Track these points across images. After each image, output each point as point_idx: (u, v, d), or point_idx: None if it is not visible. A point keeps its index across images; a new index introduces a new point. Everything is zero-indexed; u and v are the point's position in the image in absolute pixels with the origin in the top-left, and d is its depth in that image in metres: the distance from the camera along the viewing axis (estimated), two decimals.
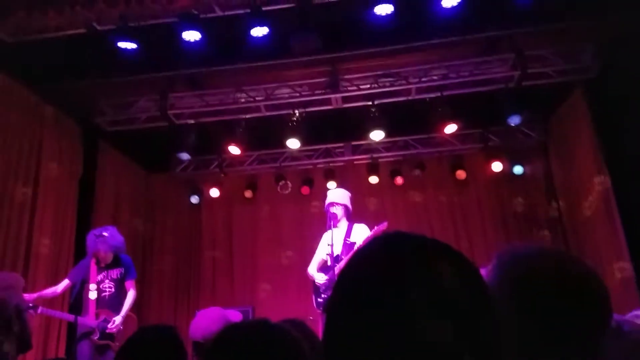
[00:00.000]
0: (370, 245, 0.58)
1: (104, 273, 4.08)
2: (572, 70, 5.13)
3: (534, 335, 0.73)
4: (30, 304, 3.61)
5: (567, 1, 4.16)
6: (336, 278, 0.60)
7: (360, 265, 0.56)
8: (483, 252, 6.34)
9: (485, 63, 5.19)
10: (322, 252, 4.20)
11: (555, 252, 0.84)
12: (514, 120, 5.39)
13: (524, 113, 5.32)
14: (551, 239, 6.28)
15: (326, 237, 4.15)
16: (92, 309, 3.93)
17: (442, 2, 3.87)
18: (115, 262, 4.15)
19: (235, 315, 2.46)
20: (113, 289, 4.08)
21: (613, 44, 4.68)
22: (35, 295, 3.84)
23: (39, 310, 3.76)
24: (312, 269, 4.24)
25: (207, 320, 2.29)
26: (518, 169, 6.36)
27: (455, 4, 3.85)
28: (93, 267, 3.95)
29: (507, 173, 6.45)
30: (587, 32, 4.75)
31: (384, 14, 3.90)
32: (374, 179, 6.55)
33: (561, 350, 0.72)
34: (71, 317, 3.77)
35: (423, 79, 5.26)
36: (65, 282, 4.06)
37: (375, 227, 3.96)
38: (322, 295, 4.04)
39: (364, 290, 0.51)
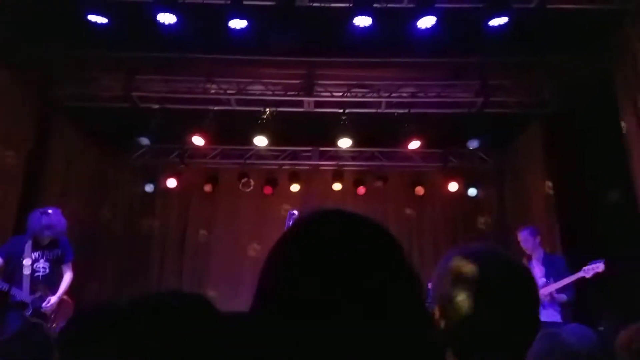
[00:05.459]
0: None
1: (39, 252, 3.87)
2: (531, 103, 5.45)
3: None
4: None
5: (536, 38, 4.41)
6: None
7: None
8: (433, 264, 6.53)
9: (452, 87, 5.42)
10: None
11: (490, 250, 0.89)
12: (473, 144, 5.65)
13: (482, 138, 5.59)
14: None
15: None
16: (25, 284, 3.73)
17: (418, 23, 4.01)
18: (53, 243, 3.95)
19: None
20: (47, 270, 3.89)
21: (573, 85, 4.99)
22: None
23: None
24: None
25: None
26: (472, 191, 6.66)
27: (429, 26, 4.01)
28: (29, 244, 3.75)
29: (462, 193, 6.73)
30: (550, 70, 5.06)
31: (362, 26, 3.99)
32: (337, 186, 6.63)
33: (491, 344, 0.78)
34: (5, 286, 3.54)
35: (394, 94, 5.42)
36: None
37: None
38: None
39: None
